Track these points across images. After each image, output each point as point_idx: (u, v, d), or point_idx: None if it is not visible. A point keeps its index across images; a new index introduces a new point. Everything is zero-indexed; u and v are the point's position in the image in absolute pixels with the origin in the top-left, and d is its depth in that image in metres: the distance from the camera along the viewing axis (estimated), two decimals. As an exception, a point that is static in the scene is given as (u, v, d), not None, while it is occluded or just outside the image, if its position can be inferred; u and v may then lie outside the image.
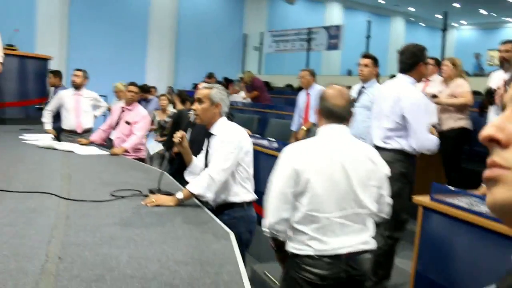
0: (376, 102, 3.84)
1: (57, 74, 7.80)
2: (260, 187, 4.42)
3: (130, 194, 3.11)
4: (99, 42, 12.81)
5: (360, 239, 2.30)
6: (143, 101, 9.14)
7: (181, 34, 14.31)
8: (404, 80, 3.56)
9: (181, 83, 13.71)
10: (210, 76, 11.19)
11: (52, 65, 9.13)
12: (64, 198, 2.89)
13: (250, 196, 3.09)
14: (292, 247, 2.33)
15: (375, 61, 4.68)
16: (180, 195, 2.92)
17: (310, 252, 2.25)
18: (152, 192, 3.09)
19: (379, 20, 19.22)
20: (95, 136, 5.64)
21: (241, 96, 9.93)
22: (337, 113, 2.34)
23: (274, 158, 4.39)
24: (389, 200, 2.48)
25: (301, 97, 6.45)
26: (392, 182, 2.53)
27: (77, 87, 6.19)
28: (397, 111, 3.46)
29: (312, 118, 5.95)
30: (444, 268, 2.90)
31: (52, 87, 7.62)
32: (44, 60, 8.28)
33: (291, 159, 2.30)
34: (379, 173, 2.37)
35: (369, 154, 2.37)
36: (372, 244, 2.36)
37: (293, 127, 6.49)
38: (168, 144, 5.48)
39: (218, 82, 11.28)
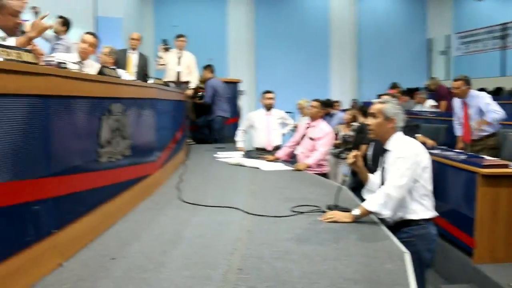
0: None
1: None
2: (445, 201, 4.17)
3: (309, 210, 3.20)
4: (283, 61, 13.46)
5: None
6: (327, 115, 9.31)
7: (361, 45, 14.19)
8: None
9: (365, 94, 13.56)
10: (394, 87, 10.86)
11: (242, 87, 9.92)
12: (248, 213, 3.12)
13: (429, 213, 2.93)
14: None
15: None
16: (356, 212, 2.92)
17: None
18: (329, 208, 3.15)
19: None
20: (281, 153, 5.95)
21: (428, 105, 9.42)
22: None
23: (461, 171, 4.11)
24: None
25: (457, 105, 6.00)
26: None
27: (269, 108, 6.59)
28: None
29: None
30: None
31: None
32: (235, 83, 9.05)
33: None
34: None
35: None
36: None
37: (458, 132, 6.06)
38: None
39: (402, 92, 10.91)
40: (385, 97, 4.41)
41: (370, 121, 3.06)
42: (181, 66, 7.38)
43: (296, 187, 4.16)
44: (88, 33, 4.37)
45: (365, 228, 2.81)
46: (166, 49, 7.33)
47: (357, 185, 4.28)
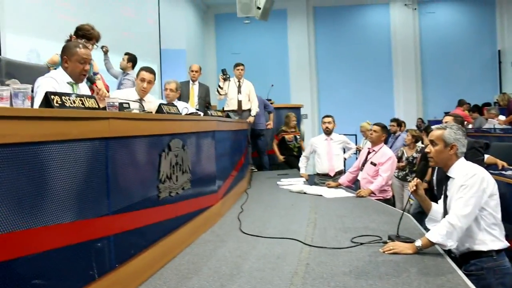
0: None
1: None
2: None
3: (369, 240, 3.14)
4: (345, 83, 13.33)
5: None
6: (392, 135, 9.13)
7: (426, 61, 13.74)
8: None
9: (431, 112, 13.15)
10: (461, 103, 10.52)
11: (304, 111, 9.94)
12: (307, 245, 3.10)
13: (500, 243, 2.76)
14: None
15: None
16: (418, 243, 2.82)
17: None
18: (390, 239, 3.06)
19: None
20: (343, 179, 5.89)
21: (497, 122, 8.94)
22: None
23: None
24: None
25: None
26: None
27: (329, 133, 6.56)
28: None
29: None
30: None
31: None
32: (297, 108, 9.09)
33: None
34: None
35: None
36: None
37: None
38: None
39: (470, 109, 10.49)
40: (448, 118, 4.29)
41: (429, 148, 2.97)
42: (242, 95, 7.47)
43: (357, 215, 4.09)
44: (145, 69, 4.44)
45: (429, 260, 2.71)
46: (226, 79, 7.42)
47: (423, 210, 4.16)
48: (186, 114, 3.88)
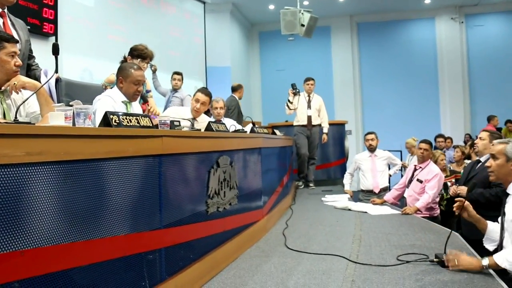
0: None
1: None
2: None
3: (416, 258, 3.11)
4: (390, 99, 13.16)
5: None
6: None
7: (473, 75, 13.32)
8: None
9: (479, 128, 12.75)
10: (491, 119, 10.39)
11: (348, 127, 9.90)
12: (353, 262, 3.11)
13: None
14: None
15: None
16: (485, 262, 2.73)
17: None
18: (438, 257, 3.02)
19: None
20: (389, 196, 5.83)
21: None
22: None
23: None
24: None
25: None
26: None
27: (372, 150, 6.54)
28: None
29: None
30: None
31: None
32: (342, 124, 9.08)
33: None
34: None
35: None
36: None
37: None
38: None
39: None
40: (483, 134, 4.22)
41: (490, 162, 2.93)
42: (311, 110, 7.44)
43: (403, 233, 4.05)
44: (202, 91, 4.56)
45: (479, 281, 2.64)
46: (295, 93, 7.38)
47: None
48: (234, 131, 3.98)
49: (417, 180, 5.38)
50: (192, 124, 3.68)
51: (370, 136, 6.54)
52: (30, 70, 3.41)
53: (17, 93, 2.62)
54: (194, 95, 4.62)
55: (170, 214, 2.33)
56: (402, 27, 13.56)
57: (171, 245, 2.33)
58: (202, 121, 4.43)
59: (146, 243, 2.12)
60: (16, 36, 3.14)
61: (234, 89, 8.08)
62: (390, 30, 13.52)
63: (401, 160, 8.77)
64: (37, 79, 3.25)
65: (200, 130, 3.20)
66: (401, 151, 10.53)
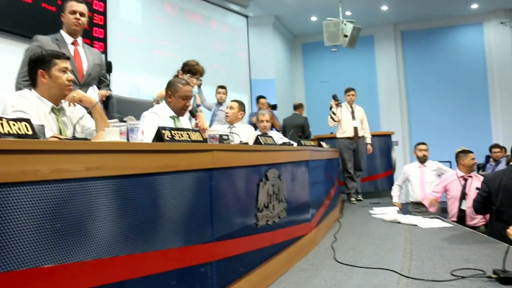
0: None
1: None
2: None
3: (472, 274, 3.00)
4: (437, 108, 12.78)
5: None
6: (493, 163, 8.69)
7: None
8: None
9: (535, 137, 12.25)
10: None
11: (395, 138, 9.72)
12: (405, 276, 3.03)
13: None
14: None
15: None
16: None
17: None
18: (496, 273, 2.90)
19: None
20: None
21: None
22: None
23: None
24: None
25: None
26: None
27: (423, 160, 6.40)
28: None
29: None
30: None
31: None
32: (388, 135, 8.93)
33: None
34: None
35: None
36: None
37: None
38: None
39: None
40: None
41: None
42: (356, 121, 7.26)
43: (457, 247, 3.92)
44: (233, 101, 4.99)
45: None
46: (338, 104, 7.23)
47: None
48: (281, 144, 3.99)
49: (477, 188, 5.20)
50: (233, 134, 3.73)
51: (423, 147, 6.42)
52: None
53: (74, 105, 2.73)
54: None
55: (221, 227, 2.35)
56: (448, 34, 13.22)
57: (222, 258, 2.34)
58: (243, 128, 4.60)
59: (198, 256, 2.14)
60: (84, 60, 3.37)
61: (296, 107, 8.63)
62: (435, 37, 13.21)
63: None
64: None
65: (247, 143, 3.22)
66: (450, 162, 10.23)
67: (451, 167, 9.96)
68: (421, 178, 6.35)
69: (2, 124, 1.38)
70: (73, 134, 2.20)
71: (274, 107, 7.76)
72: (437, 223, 5.08)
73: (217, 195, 2.32)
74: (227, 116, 4.84)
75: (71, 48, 3.50)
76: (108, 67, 3.14)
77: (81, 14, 3.51)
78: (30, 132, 1.45)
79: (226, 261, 2.39)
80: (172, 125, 3.41)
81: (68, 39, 3.52)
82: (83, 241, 1.47)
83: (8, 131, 1.38)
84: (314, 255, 3.79)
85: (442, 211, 5.97)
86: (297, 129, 8.20)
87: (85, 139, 1.86)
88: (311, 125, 8.81)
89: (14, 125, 1.42)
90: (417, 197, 6.34)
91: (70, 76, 2.63)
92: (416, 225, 5.00)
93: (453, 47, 13.13)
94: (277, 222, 3.17)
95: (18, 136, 1.41)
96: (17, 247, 1.25)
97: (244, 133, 4.51)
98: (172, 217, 1.94)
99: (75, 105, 2.73)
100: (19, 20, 5.44)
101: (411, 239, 4.32)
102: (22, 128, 1.44)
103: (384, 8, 11.68)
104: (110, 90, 3.68)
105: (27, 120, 1.48)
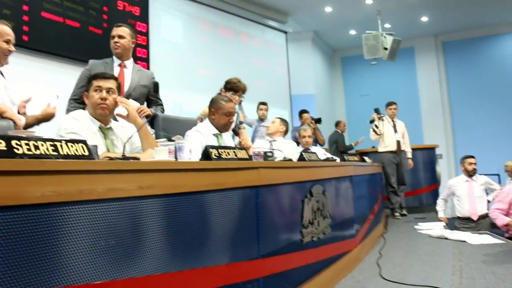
0: None
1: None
2: None
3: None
4: (482, 119, 12.35)
5: None
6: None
7: None
8: None
9: None
10: None
11: (439, 151, 9.49)
12: (455, 294, 2.95)
13: None
14: None
15: None
16: None
17: None
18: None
19: None
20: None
21: None
22: None
23: None
24: None
25: None
26: None
27: (471, 174, 6.24)
28: None
29: None
30: None
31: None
32: (432, 148, 8.73)
33: None
34: None
35: None
36: None
37: None
38: None
39: None
40: None
41: None
42: (399, 134, 7.23)
43: (510, 264, 3.78)
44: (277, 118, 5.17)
45: None
46: (380, 118, 7.21)
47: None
48: (324, 160, 3.98)
49: None
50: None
51: (472, 160, 6.25)
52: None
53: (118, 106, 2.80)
54: None
55: (267, 244, 2.36)
56: (492, 43, 12.85)
57: (268, 274, 2.34)
58: (283, 143, 4.65)
59: (245, 273, 2.15)
60: (127, 81, 3.51)
61: (337, 124, 8.86)
62: (478, 47, 12.86)
63: (500, 184, 8.24)
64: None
65: (291, 159, 3.23)
66: (498, 175, 9.91)
67: (499, 181, 9.67)
68: (470, 193, 6.16)
69: (61, 145, 1.44)
70: (123, 152, 2.26)
71: (318, 120, 7.76)
72: (488, 239, 4.92)
73: (263, 212, 2.33)
74: (268, 128, 4.92)
75: (116, 70, 3.67)
76: (155, 87, 3.23)
77: (120, 37, 3.70)
78: (86, 153, 1.51)
79: (272, 277, 2.40)
80: (216, 143, 3.46)
81: (116, 61, 3.72)
82: (135, 258, 1.52)
83: (67, 152, 1.45)
84: (359, 272, 3.73)
85: (492, 227, 5.77)
86: (335, 145, 8.28)
87: (135, 158, 1.91)
88: (351, 140, 8.78)
89: (72, 146, 1.48)
90: (466, 212, 6.15)
91: (103, 94, 2.69)
92: (464, 241, 4.85)
93: (498, 56, 12.75)
94: (322, 238, 3.15)
95: (76, 157, 1.47)
96: (74, 262, 1.30)
97: (286, 149, 4.52)
98: (219, 234, 1.97)
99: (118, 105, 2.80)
100: (75, 45, 5.77)
101: (460, 256, 4.20)
102: (79, 149, 1.50)
103: (424, 19, 11.49)
104: (162, 111, 3.80)
105: (84, 142, 1.54)
